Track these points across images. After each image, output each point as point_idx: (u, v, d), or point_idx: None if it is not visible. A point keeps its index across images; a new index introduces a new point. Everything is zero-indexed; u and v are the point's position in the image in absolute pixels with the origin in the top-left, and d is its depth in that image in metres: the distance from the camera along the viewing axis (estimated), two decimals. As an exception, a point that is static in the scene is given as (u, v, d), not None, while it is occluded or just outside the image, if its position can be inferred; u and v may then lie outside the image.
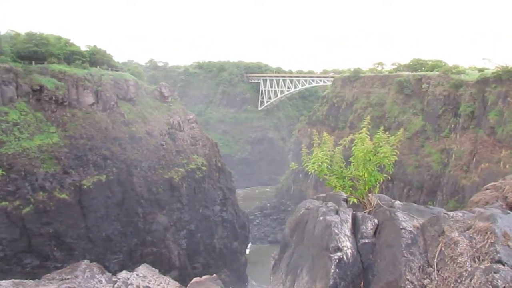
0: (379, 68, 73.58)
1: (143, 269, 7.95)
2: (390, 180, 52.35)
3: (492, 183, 8.47)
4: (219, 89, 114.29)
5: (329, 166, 5.95)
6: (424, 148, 55.42)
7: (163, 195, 48.89)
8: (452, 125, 53.05)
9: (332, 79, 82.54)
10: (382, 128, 6.63)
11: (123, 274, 7.54)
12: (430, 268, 4.69)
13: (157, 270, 8.13)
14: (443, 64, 63.09)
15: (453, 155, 49.79)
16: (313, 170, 5.97)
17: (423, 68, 65.62)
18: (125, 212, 44.00)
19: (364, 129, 5.96)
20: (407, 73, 63.99)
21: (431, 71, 61.35)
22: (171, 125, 55.89)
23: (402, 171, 54.77)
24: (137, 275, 7.65)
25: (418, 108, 58.47)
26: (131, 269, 8.23)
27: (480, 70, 53.99)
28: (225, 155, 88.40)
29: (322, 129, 62.43)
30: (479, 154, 46.09)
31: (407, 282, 4.64)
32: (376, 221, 5.42)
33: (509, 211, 5.51)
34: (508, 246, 4.31)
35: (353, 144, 5.80)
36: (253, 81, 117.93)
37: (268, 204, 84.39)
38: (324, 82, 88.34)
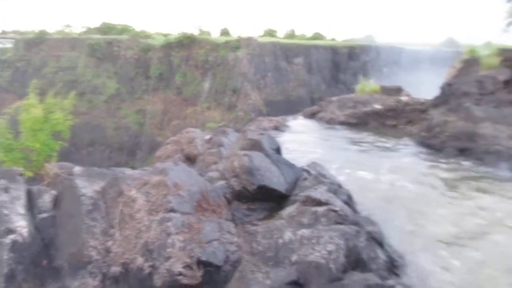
0: (68, 30, 69.05)
1: None
2: (91, 144, 51.17)
3: (172, 138, 9.14)
4: None
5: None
6: (121, 110, 56.15)
7: None
8: (145, 87, 55.45)
9: (13, 40, 72.58)
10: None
11: None
12: (112, 230, 4.63)
13: None
14: (131, 28, 64.45)
15: (148, 115, 52.49)
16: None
17: (113, 32, 65.28)
18: None
19: (32, 94, 5.31)
20: (98, 36, 62.41)
21: (120, 35, 61.74)
22: None
23: (102, 134, 54.27)
24: None
25: (111, 72, 58.24)
26: None
27: (165, 35, 57.73)
28: None
29: (7, 97, 54.91)
30: (170, 112, 50.14)
31: (91, 248, 4.46)
32: (54, 192, 4.99)
33: (182, 163, 5.97)
34: (179, 194, 4.62)
35: (20, 113, 5.10)
36: None
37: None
38: (3, 44, 76.90)
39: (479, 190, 5.44)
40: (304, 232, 3.92)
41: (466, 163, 6.62)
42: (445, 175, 6.02)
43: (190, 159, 7.06)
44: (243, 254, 4.06)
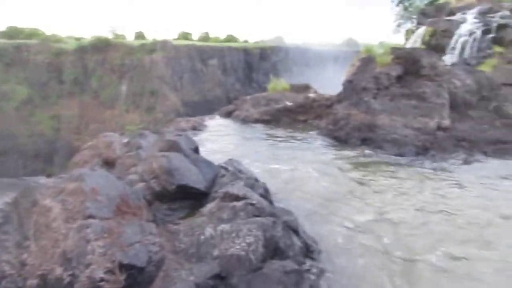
0: (-31, 34, 62.64)
1: None
2: (2, 153, 46.99)
3: (89, 143, 8.67)
4: None
5: None
6: (35, 116, 52.28)
7: None
8: (59, 92, 52.09)
9: None
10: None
11: None
12: (27, 242, 4.27)
13: None
14: (41, 32, 60.08)
15: (64, 120, 49.41)
16: None
17: (21, 36, 60.41)
18: None
19: None
20: (4, 40, 57.38)
21: (29, 39, 57.33)
22: None
23: (15, 142, 50.10)
24: None
25: (21, 77, 53.94)
26: None
27: (77, 39, 54.63)
28: None
29: None
30: (87, 116, 47.62)
31: (3, 263, 4.08)
32: (-41, 208, 4.48)
33: (99, 168, 5.68)
34: (97, 200, 4.38)
35: None
36: None
37: None
38: None
39: (377, 173, 5.83)
40: (224, 227, 3.91)
41: (368, 151, 7.06)
42: (349, 162, 6.37)
43: (109, 164, 6.74)
44: (166, 253, 3.96)
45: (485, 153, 7.15)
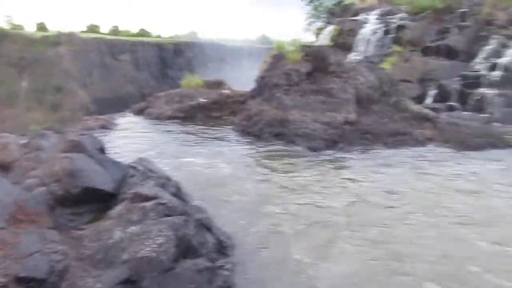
0: None
1: None
2: None
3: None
4: None
5: None
6: None
7: None
8: None
9: None
10: None
11: None
12: None
13: None
14: None
15: (-46, 121, 44.41)
16: None
17: None
18: None
19: None
20: None
21: None
22: None
23: None
24: None
25: None
26: None
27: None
28: None
29: None
30: (-18, 116, 43.16)
31: None
32: None
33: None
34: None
35: None
36: None
37: None
38: None
39: (285, 167, 6.04)
40: (134, 229, 3.76)
41: (280, 146, 7.25)
42: (261, 156, 6.51)
43: (4, 167, 6.15)
44: (71, 261, 3.72)
45: (386, 144, 7.70)
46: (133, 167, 4.83)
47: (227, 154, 6.51)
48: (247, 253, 3.96)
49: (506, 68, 11.83)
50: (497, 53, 12.53)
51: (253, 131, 8.25)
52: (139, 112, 10.46)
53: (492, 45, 12.78)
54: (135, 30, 53.90)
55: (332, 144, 7.56)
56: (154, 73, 44.32)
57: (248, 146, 7.27)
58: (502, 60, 12.11)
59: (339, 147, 7.43)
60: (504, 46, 12.57)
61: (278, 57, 9.69)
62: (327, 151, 7.15)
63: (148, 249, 3.56)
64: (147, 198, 4.09)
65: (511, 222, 4.49)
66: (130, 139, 7.46)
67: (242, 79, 15.90)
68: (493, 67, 12.15)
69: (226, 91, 10.79)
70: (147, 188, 4.25)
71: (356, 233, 4.07)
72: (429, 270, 3.47)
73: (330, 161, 6.53)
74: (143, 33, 53.13)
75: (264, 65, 10.44)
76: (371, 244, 3.86)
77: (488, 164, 6.62)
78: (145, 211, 3.96)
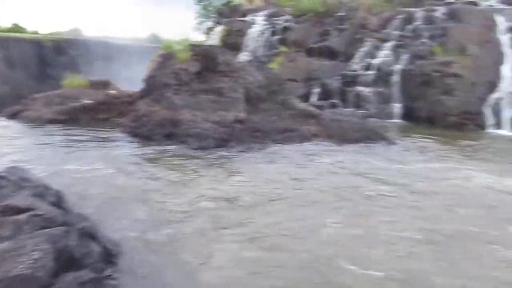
0: None
1: None
2: None
3: None
4: None
5: None
6: None
7: None
8: None
9: None
10: None
11: None
12: None
13: None
14: None
15: None
16: None
17: None
18: None
19: None
20: None
21: None
22: None
23: None
24: None
25: None
26: None
27: None
28: None
29: None
30: None
31: None
32: None
33: None
34: None
35: None
36: None
37: None
38: None
39: (174, 166, 5.99)
40: (5, 245, 3.39)
41: (170, 147, 7.14)
42: (149, 158, 6.37)
43: None
44: None
45: (275, 141, 8.02)
46: (3, 177, 4.37)
47: (113, 157, 6.22)
48: (136, 260, 3.82)
49: (378, 68, 13.09)
50: (371, 55, 13.79)
51: (142, 133, 8.00)
52: (13, 116, 9.50)
53: (366, 47, 14.02)
54: (7, 25, 48.64)
55: (223, 142, 7.65)
56: (32, 72, 40.42)
57: (136, 148, 7.03)
58: (375, 61, 13.36)
59: (230, 146, 7.55)
60: (377, 48, 13.88)
61: (166, 57, 9.53)
62: (218, 150, 7.22)
63: (22, 266, 3.25)
64: (20, 210, 3.72)
65: (352, 200, 5.00)
66: (0, 146, 6.73)
67: (131, 79, 15.32)
68: (368, 67, 13.36)
69: (113, 92, 10.31)
70: (20, 199, 3.87)
71: (236, 231, 4.14)
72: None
73: (218, 159, 6.62)
74: (16, 28, 48.14)
75: (152, 65, 10.19)
76: (249, 240, 3.96)
77: (358, 155, 7.33)
78: (18, 225, 3.60)
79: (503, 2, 14.32)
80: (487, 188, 5.65)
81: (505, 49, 12.32)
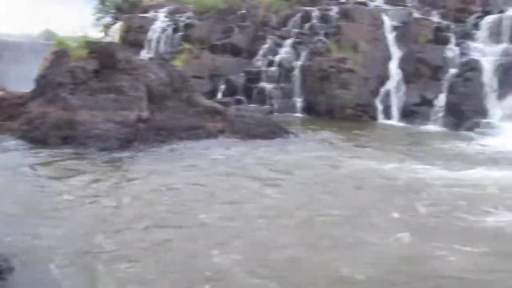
0: None
1: None
2: None
3: None
4: None
5: None
6: None
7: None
8: None
9: None
10: None
11: None
12: None
13: None
14: None
15: None
16: None
17: None
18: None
19: None
20: None
21: None
22: None
23: None
24: None
25: None
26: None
27: None
28: None
29: None
30: None
31: None
32: None
33: None
34: None
35: None
36: None
37: None
38: None
39: (69, 171, 5.72)
40: None
41: (67, 150, 6.76)
42: (41, 163, 6.00)
43: None
44: None
45: (181, 139, 7.98)
46: None
47: (1, 166, 5.71)
48: (29, 275, 3.57)
49: (280, 64, 13.58)
50: (273, 51, 14.24)
51: (36, 136, 7.46)
52: None
53: (268, 44, 14.45)
54: None
55: (126, 143, 7.43)
56: None
57: (28, 153, 6.52)
58: (277, 58, 13.84)
59: (134, 146, 7.36)
60: (278, 45, 14.38)
61: (59, 54, 8.96)
62: (121, 150, 6.99)
63: None
64: None
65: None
66: None
67: (22, 79, 14.14)
68: (270, 63, 13.79)
69: (0, 93, 9.44)
70: None
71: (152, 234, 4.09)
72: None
73: (119, 160, 6.45)
74: None
75: (45, 63, 9.52)
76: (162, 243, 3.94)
77: (259, 148, 7.65)
78: None
79: (387, 3, 15.61)
80: (370, 172, 6.24)
81: (391, 46, 13.57)
